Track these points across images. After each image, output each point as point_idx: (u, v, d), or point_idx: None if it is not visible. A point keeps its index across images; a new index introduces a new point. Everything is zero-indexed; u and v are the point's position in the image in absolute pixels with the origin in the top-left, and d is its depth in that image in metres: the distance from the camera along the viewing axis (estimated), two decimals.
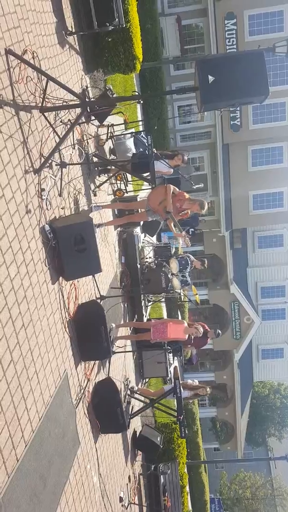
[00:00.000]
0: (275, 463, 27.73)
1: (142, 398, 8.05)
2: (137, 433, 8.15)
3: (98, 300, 5.75)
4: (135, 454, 8.04)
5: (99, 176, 6.69)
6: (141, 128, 12.61)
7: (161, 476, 8.65)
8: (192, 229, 15.82)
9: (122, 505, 6.55)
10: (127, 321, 8.27)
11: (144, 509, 8.20)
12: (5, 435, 3.14)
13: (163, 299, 10.94)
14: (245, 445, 27.50)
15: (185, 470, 11.21)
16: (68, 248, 4.35)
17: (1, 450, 3.06)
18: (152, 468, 8.69)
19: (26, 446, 3.44)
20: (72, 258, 4.41)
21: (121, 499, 6.51)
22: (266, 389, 30.31)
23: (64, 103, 4.51)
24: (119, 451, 6.81)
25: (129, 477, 7.29)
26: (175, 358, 11.44)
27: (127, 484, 7.08)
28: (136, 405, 7.90)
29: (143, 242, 9.64)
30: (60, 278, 4.55)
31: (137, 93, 8.29)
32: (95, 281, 5.88)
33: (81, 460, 4.86)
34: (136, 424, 8.32)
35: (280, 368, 26.44)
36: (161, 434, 8.84)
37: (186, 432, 7.09)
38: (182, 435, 7.10)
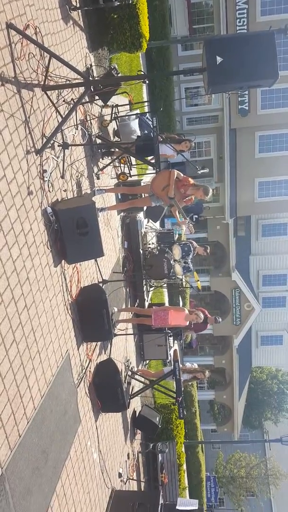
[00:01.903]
0: (270, 445, 28.22)
1: (142, 379, 8.18)
2: (137, 413, 8.31)
3: (100, 284, 5.79)
4: (134, 433, 8.22)
5: (102, 159, 6.64)
6: (146, 110, 12.46)
7: (159, 454, 8.87)
8: (196, 216, 15.76)
9: (121, 481, 6.74)
10: (129, 305, 8.34)
11: (142, 484, 8.43)
12: (8, 412, 3.22)
13: (165, 285, 10.99)
14: (242, 428, 28.02)
15: (183, 449, 11.46)
16: (70, 231, 4.36)
17: (4, 426, 3.14)
18: (151, 447, 8.91)
19: (28, 422, 3.53)
20: (74, 242, 4.43)
21: (120, 475, 6.70)
22: (264, 374, 30.69)
23: (67, 82, 4.45)
24: (119, 430, 6.96)
25: (128, 455, 7.46)
26: (175, 341, 11.56)
27: (126, 461, 7.26)
28: (136, 386, 8.03)
29: (146, 228, 9.64)
30: (63, 261, 4.58)
31: (142, 73, 8.15)
32: (98, 265, 5.91)
33: (81, 437, 4.98)
34: (136, 404, 8.47)
35: (278, 354, 26.73)
36: (160, 414, 9.02)
37: (185, 413, 7.21)
38: (180, 416, 7.23)
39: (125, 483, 6.94)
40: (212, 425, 28.80)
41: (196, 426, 17.48)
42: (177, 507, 6.32)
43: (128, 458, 7.48)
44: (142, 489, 8.32)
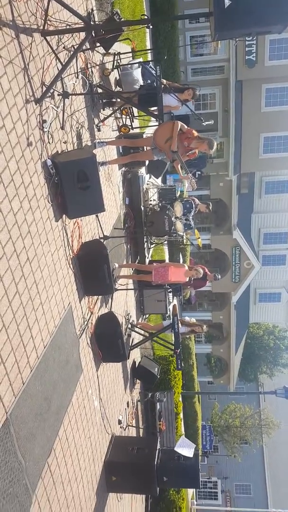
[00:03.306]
0: (264, 397, 29.39)
1: (142, 332, 8.39)
2: (136, 364, 8.60)
3: (102, 240, 5.80)
4: (134, 382, 8.54)
5: (104, 109, 6.43)
6: (149, 58, 11.93)
7: (158, 403, 9.26)
8: (199, 172, 15.46)
9: (120, 427, 7.08)
10: (130, 262, 8.39)
11: (141, 431, 8.87)
12: (12, 360, 3.33)
13: (165, 242, 11.01)
14: (237, 380, 29.05)
15: (180, 399, 11.96)
16: (70, 185, 4.30)
17: (8, 374, 3.26)
18: (149, 396, 9.28)
19: (31, 371, 3.66)
20: (75, 196, 4.37)
21: (119, 422, 7.02)
22: (261, 330, 31.38)
23: (68, 27, 4.23)
24: (119, 379, 7.22)
25: (127, 403, 7.79)
26: (175, 297, 11.75)
27: (125, 409, 7.59)
28: (136, 338, 8.26)
29: (147, 184, 9.50)
30: (64, 215, 4.56)
31: (146, 17, 7.73)
32: (99, 221, 5.89)
33: (83, 386, 5.18)
34: (135, 355, 8.74)
35: (276, 311, 27.22)
36: (159, 365, 9.32)
37: (182, 365, 7.45)
38: (178, 367, 7.46)
39: (124, 430, 7.29)
40: (209, 377, 29.87)
41: (193, 377, 18.14)
42: (175, 448, 6.62)
43: (128, 406, 7.81)
44: (141, 436, 8.77)
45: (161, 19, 14.60)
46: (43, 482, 3.90)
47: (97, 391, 5.85)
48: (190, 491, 18.48)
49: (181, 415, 12.69)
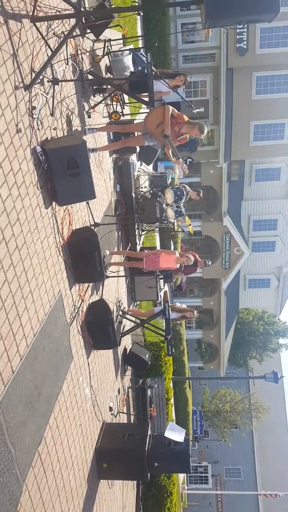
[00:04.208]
0: (254, 382, 29.93)
1: (133, 319, 8.44)
2: (127, 350, 8.66)
3: (92, 227, 5.78)
4: (125, 369, 8.61)
5: (94, 96, 6.36)
6: (140, 45, 11.77)
7: (148, 389, 9.36)
8: (190, 159, 15.40)
9: (111, 414, 7.15)
10: (121, 249, 8.39)
11: (132, 418, 8.97)
12: (1, 349, 3.34)
13: (156, 229, 11.02)
14: (228, 366, 29.48)
15: (171, 385, 12.10)
16: (60, 172, 4.26)
17: None
18: (140, 382, 9.37)
19: (21, 359, 3.67)
20: (65, 183, 4.34)
21: (110, 409, 7.09)
22: (251, 316, 31.77)
23: (58, 13, 4.16)
24: (110, 366, 7.28)
25: (118, 390, 7.87)
26: (166, 284, 11.81)
27: (116, 395, 7.67)
28: (128, 325, 8.30)
29: (139, 171, 9.46)
30: (53, 203, 4.53)
31: (137, 4, 7.60)
32: (89, 208, 5.86)
33: (73, 373, 5.22)
34: (126, 342, 8.80)
35: (265, 297, 27.57)
36: (150, 351, 9.41)
37: (173, 350, 7.53)
38: (169, 353, 7.53)
39: (115, 416, 7.36)
40: (199, 363, 30.25)
41: (184, 363, 18.34)
42: (166, 434, 6.69)
43: (119, 393, 7.89)
44: (132, 422, 8.87)
45: (152, 6, 14.36)
46: (34, 471, 3.93)
47: (88, 379, 5.90)
48: (181, 476, 18.85)
49: (172, 401, 12.86)
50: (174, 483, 10.73)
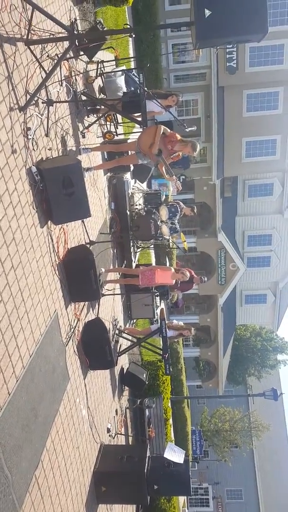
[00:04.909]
0: (253, 400, 29.55)
1: (130, 338, 8.36)
2: (124, 370, 8.54)
3: (88, 245, 5.78)
4: (122, 389, 8.49)
5: (88, 116, 6.44)
6: (133, 66, 12.00)
7: (146, 409, 9.21)
8: (183, 177, 15.57)
9: (109, 435, 7.01)
10: (116, 266, 8.38)
11: (130, 439, 8.80)
12: None
13: (152, 246, 11.03)
14: (226, 383, 29.15)
15: (169, 404, 11.91)
16: (56, 191, 4.28)
17: None
18: (138, 402, 9.22)
19: (17, 381, 3.61)
20: (60, 202, 4.36)
21: (108, 430, 6.96)
22: (248, 332, 31.57)
23: (51, 36, 4.25)
24: (107, 387, 7.17)
25: (116, 411, 7.74)
26: (162, 301, 11.76)
27: (114, 416, 7.53)
28: (124, 344, 8.22)
29: (133, 189, 9.53)
30: (49, 222, 4.53)
31: (129, 27, 7.80)
32: (85, 226, 5.87)
33: (70, 394, 5.13)
34: (123, 362, 8.70)
35: (262, 312, 27.47)
36: (147, 371, 9.29)
37: (171, 369, 7.44)
38: (167, 372, 7.45)
39: (113, 438, 7.22)
40: (198, 381, 29.88)
41: (182, 382, 18.10)
42: (165, 455, 6.56)
43: (116, 413, 7.76)
44: (130, 443, 8.69)
45: (143, 28, 14.74)
46: (31, 496, 3.82)
47: (85, 400, 5.80)
48: (181, 499, 18.37)
49: (171, 421, 12.65)
50: (174, 506, 10.45)
